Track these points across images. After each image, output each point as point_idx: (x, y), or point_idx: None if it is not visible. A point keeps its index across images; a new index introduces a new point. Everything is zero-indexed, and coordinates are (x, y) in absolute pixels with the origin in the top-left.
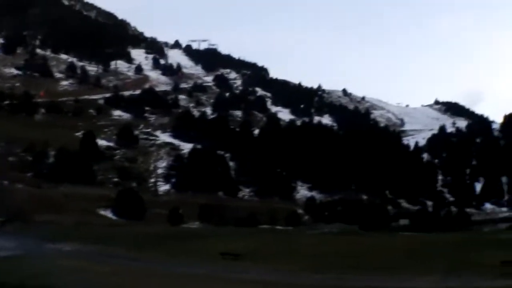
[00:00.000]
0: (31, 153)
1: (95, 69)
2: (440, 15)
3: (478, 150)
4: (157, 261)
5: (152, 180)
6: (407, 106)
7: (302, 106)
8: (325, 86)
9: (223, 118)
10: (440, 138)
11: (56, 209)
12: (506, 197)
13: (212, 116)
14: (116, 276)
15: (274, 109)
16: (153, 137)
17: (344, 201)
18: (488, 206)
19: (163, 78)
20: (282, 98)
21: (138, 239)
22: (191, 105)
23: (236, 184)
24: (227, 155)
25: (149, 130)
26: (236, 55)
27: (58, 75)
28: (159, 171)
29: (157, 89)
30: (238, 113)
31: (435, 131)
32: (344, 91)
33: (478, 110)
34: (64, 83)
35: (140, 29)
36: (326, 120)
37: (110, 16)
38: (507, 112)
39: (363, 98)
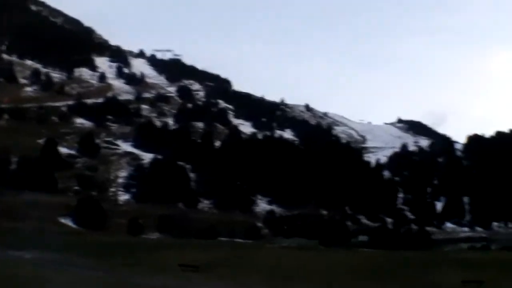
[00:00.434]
0: None
1: (60, 76)
2: (406, 35)
3: (440, 169)
4: (116, 272)
5: (113, 189)
6: (369, 123)
7: (264, 119)
8: (288, 101)
9: (185, 129)
10: (401, 156)
11: (17, 216)
12: (468, 217)
13: (174, 127)
14: (75, 285)
15: (236, 121)
16: (115, 146)
17: (304, 216)
18: (449, 225)
19: (126, 87)
20: (244, 111)
21: (98, 248)
22: (154, 115)
23: (196, 195)
24: (188, 166)
25: (110, 139)
26: (200, 66)
27: (22, 81)
28: (120, 180)
29: (120, 98)
30: (200, 124)
31: (397, 149)
32: (307, 106)
33: (441, 130)
34: (28, 89)
35: (105, 37)
36: (288, 134)
37: (76, 23)
38: (470, 133)
39: (325, 114)
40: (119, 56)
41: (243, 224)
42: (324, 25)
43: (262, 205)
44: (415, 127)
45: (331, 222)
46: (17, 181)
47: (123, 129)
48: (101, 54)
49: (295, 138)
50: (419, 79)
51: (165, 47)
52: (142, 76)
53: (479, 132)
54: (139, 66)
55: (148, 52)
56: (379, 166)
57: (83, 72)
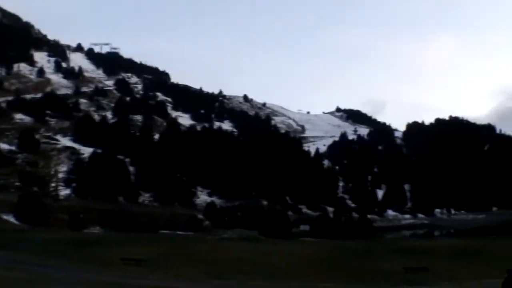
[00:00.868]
0: None
1: None
2: (344, 25)
3: (380, 157)
4: (60, 268)
5: (53, 184)
6: (308, 113)
7: (202, 111)
8: (226, 92)
9: (123, 122)
10: (341, 145)
11: None
12: (409, 205)
13: (112, 121)
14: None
15: (174, 114)
16: (54, 141)
17: (244, 207)
18: (390, 213)
19: (65, 82)
20: (182, 103)
21: (41, 245)
22: (92, 109)
23: (136, 189)
24: (127, 159)
25: (50, 134)
26: (137, 59)
27: None
28: (60, 175)
29: (59, 92)
30: (139, 117)
31: (336, 138)
32: (245, 97)
33: (380, 118)
34: None
35: (43, 31)
36: (227, 126)
37: (14, 18)
38: (409, 121)
39: (264, 105)
40: (57, 50)
41: (184, 217)
42: (262, 16)
43: (203, 197)
44: (354, 116)
45: (272, 213)
46: None
47: (62, 123)
48: (39, 49)
49: (234, 129)
50: (357, 69)
51: (103, 40)
52: (80, 70)
53: (419, 120)
54: (77, 60)
55: (86, 46)
56: (319, 155)
57: (22, 68)
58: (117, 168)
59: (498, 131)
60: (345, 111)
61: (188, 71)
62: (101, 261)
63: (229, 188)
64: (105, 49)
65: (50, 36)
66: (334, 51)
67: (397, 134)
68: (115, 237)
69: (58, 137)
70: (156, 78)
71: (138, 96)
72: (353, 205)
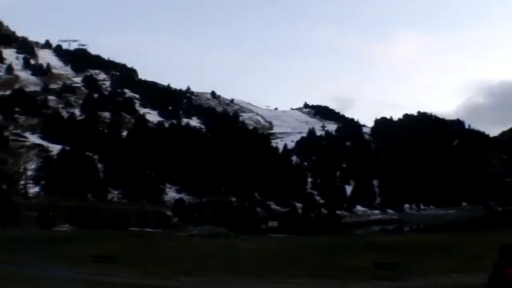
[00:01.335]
0: None
1: None
2: (312, 22)
3: (348, 153)
4: (30, 266)
5: (22, 182)
6: (276, 109)
7: (170, 108)
8: (194, 88)
9: (91, 119)
10: (309, 141)
11: None
12: (378, 200)
13: (81, 118)
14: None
15: (142, 110)
16: (23, 139)
17: (213, 203)
18: (359, 208)
19: (33, 79)
20: (150, 100)
21: (11, 243)
22: (60, 106)
23: (104, 186)
24: (96, 157)
25: (18, 131)
26: (106, 55)
27: None
28: (29, 173)
29: (27, 89)
30: (107, 114)
31: (304, 134)
32: (213, 93)
33: (348, 114)
34: None
35: (12, 28)
36: (195, 122)
37: None
38: (377, 117)
39: (231, 101)
40: (25, 47)
41: (152, 214)
42: (229, 12)
43: (171, 194)
44: (322, 112)
45: (241, 209)
46: None
47: (30, 121)
48: (8, 45)
49: (202, 126)
50: (325, 65)
51: (71, 37)
52: (49, 67)
53: (387, 116)
54: (46, 57)
55: (54, 43)
56: (287, 151)
57: None
58: (85, 165)
59: (466, 127)
60: (313, 107)
61: (156, 68)
62: (70, 258)
63: (197, 184)
64: (73, 46)
65: (19, 33)
66: (301, 47)
67: (365, 130)
68: (84, 235)
69: (27, 134)
70: (124, 75)
71: (106, 92)
72: (321, 201)
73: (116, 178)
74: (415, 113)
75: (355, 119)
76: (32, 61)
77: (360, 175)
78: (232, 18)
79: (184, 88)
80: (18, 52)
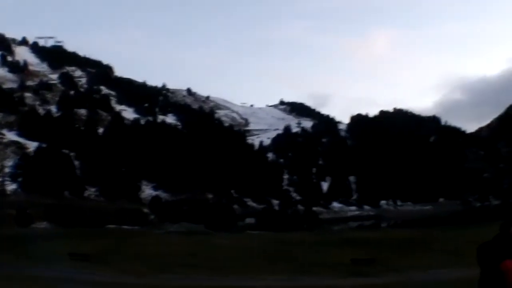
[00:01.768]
0: None
1: None
2: (286, 18)
3: (324, 150)
4: (8, 264)
5: (0, 179)
6: (251, 106)
7: (146, 105)
8: (170, 85)
9: (68, 116)
10: (285, 138)
11: None
12: (355, 196)
13: (57, 115)
14: None
15: (118, 107)
16: (0, 136)
17: (190, 201)
18: (336, 205)
19: (10, 76)
20: (126, 97)
21: None
22: (37, 103)
23: (81, 183)
24: (72, 154)
25: None
26: (82, 52)
27: None
28: (6, 170)
29: (4, 86)
30: (83, 111)
31: (280, 131)
32: (189, 90)
33: (324, 111)
34: None
35: None
36: (171, 119)
37: None
38: (353, 113)
39: (207, 98)
40: (2, 44)
41: (129, 211)
42: (205, 9)
43: (148, 191)
44: (297, 109)
45: (218, 206)
46: None
47: (7, 118)
48: None
49: (178, 123)
50: (301, 62)
51: (48, 34)
52: (25, 64)
53: (363, 112)
54: (23, 54)
55: (31, 40)
56: (263, 148)
57: None
58: (62, 163)
59: (443, 123)
60: (288, 104)
61: (132, 65)
62: (48, 256)
63: (174, 182)
64: (50, 43)
65: None
66: (277, 44)
67: (341, 126)
68: (62, 232)
69: (4, 131)
70: (100, 72)
71: (82, 90)
72: (298, 197)
73: (92, 175)
74: (391, 109)
75: (331, 116)
76: (9, 58)
77: (337, 172)
78: (207, 15)
79: (160, 85)
80: None
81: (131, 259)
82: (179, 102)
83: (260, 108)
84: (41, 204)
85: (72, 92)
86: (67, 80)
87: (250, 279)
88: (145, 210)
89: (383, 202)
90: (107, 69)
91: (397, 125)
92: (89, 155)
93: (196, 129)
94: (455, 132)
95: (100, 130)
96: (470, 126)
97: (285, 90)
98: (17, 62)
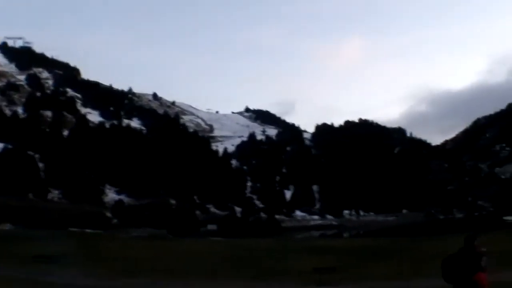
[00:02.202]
0: None
1: None
2: (253, 24)
3: (288, 158)
4: None
5: None
6: (217, 112)
7: (112, 108)
8: (136, 90)
9: (34, 118)
10: (249, 145)
11: None
12: (318, 205)
13: (23, 116)
14: None
15: (84, 110)
16: None
17: (152, 206)
18: (299, 213)
19: None
20: (92, 100)
21: None
22: (4, 104)
23: (45, 185)
24: (37, 156)
25: None
26: (50, 54)
27: None
28: None
29: None
30: (49, 113)
31: (245, 138)
32: (155, 95)
33: (289, 119)
34: None
35: None
36: (136, 123)
37: None
38: (319, 122)
39: (173, 103)
40: None
41: (92, 214)
42: (172, 13)
43: (111, 195)
44: (262, 116)
45: (180, 212)
46: None
47: None
48: None
49: (142, 127)
50: (266, 69)
51: (16, 34)
52: None
53: (328, 122)
54: None
55: (0, 40)
56: (227, 155)
57: None
58: (27, 164)
59: (408, 135)
60: (254, 111)
61: (98, 68)
62: (10, 258)
63: (137, 186)
64: (18, 43)
65: None
66: (243, 50)
67: (306, 135)
68: (25, 234)
69: None
70: (67, 74)
71: (48, 91)
72: (261, 205)
73: (56, 177)
74: (356, 119)
75: (296, 124)
76: None
77: (300, 180)
78: (174, 20)
79: (126, 89)
80: None
81: (94, 262)
82: (145, 106)
83: (225, 115)
84: (4, 205)
85: (38, 94)
86: (34, 81)
87: (210, 284)
88: (108, 214)
89: (346, 212)
90: (74, 71)
91: (362, 136)
92: (54, 157)
93: (160, 134)
94: (420, 144)
95: (65, 132)
96: (436, 139)
97: (251, 97)
98: None
